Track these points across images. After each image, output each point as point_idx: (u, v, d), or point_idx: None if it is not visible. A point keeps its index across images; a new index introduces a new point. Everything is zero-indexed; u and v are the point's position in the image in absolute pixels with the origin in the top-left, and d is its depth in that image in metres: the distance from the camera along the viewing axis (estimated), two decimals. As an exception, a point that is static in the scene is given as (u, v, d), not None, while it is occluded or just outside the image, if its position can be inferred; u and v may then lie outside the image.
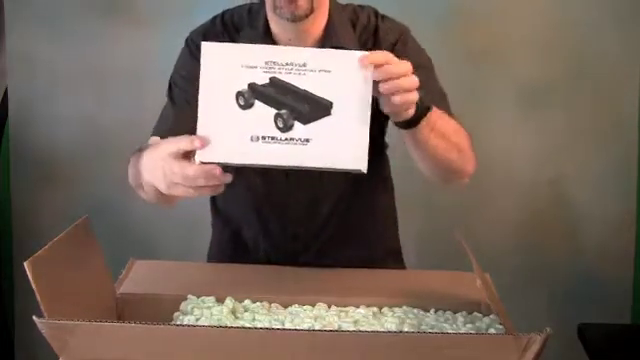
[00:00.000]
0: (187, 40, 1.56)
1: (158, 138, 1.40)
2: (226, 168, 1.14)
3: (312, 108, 1.10)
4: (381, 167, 1.65)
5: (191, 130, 1.18)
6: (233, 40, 1.50)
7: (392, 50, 1.44)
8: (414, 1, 2.40)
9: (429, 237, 2.49)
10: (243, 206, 1.61)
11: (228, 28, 1.53)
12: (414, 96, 1.22)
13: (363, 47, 1.49)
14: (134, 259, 1.52)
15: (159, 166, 1.20)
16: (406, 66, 1.20)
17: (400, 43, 1.51)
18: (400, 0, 2.40)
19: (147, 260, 1.53)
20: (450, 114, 1.47)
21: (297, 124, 1.10)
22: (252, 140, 1.11)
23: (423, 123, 1.31)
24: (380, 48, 1.46)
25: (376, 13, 1.55)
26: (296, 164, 1.11)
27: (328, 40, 1.47)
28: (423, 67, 1.46)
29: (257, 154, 1.11)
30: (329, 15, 1.49)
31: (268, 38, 1.48)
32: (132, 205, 2.56)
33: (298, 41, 1.46)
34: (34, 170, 2.59)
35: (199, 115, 1.14)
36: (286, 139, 1.10)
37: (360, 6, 1.56)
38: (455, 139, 1.41)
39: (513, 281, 2.39)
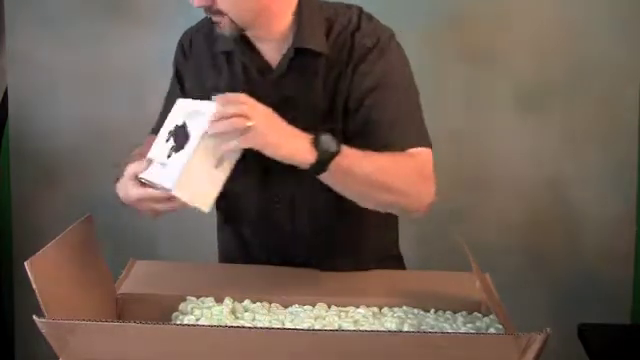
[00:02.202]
0: (178, 43, 1.60)
1: (153, 136, 1.44)
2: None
3: (177, 142, 1.29)
4: None
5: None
6: (210, 46, 1.52)
7: (365, 56, 1.43)
8: (414, 2, 2.40)
9: (429, 237, 2.49)
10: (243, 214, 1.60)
11: (210, 32, 1.52)
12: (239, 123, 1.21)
13: (338, 50, 1.45)
14: (134, 259, 1.52)
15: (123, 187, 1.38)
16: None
17: (376, 51, 1.44)
18: (400, 1, 2.41)
19: (147, 260, 1.53)
20: (403, 143, 1.39)
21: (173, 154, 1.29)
22: (159, 164, 1.30)
23: (332, 169, 1.26)
24: (353, 52, 1.44)
25: (360, 14, 1.48)
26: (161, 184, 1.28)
27: (295, 40, 1.44)
28: (384, 87, 1.42)
29: (154, 174, 1.30)
30: (299, 14, 1.45)
31: (242, 38, 1.47)
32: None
33: (260, 43, 1.47)
34: (34, 170, 2.59)
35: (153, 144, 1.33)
36: (162, 164, 1.29)
37: (347, 5, 1.50)
38: (382, 179, 1.32)
39: (513, 281, 2.39)
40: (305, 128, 1.30)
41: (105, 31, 2.51)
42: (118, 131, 2.54)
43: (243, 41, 1.48)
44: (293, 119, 1.31)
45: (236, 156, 1.27)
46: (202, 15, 1.59)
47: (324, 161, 1.26)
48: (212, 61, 1.53)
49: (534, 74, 2.50)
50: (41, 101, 2.55)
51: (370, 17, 1.49)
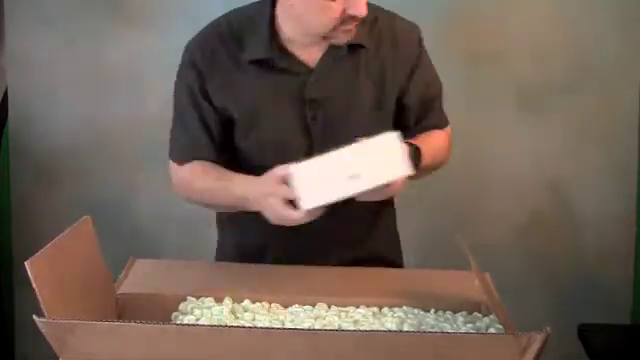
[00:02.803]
0: (186, 49, 1.56)
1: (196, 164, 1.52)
2: None
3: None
4: None
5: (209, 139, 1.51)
6: (232, 53, 1.50)
7: (419, 50, 1.56)
8: (414, 2, 2.40)
9: (429, 237, 2.49)
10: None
11: (229, 41, 1.51)
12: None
13: (376, 42, 1.52)
14: (134, 258, 1.52)
15: (265, 204, 1.37)
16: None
17: (421, 43, 1.58)
18: (400, 1, 2.41)
19: (147, 259, 1.53)
20: (445, 123, 1.64)
21: None
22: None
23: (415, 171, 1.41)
24: (399, 47, 1.53)
25: (381, 9, 1.56)
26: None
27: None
28: (429, 69, 1.59)
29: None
30: None
31: (274, 43, 1.48)
32: (132, 205, 2.57)
33: (297, 46, 1.48)
34: (34, 170, 2.58)
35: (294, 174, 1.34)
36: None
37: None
38: (439, 155, 1.60)
39: (513, 281, 2.39)
40: (356, 118, 1.50)
41: (105, 31, 2.51)
42: (118, 131, 2.54)
43: (276, 46, 1.48)
44: (341, 112, 1.49)
45: None
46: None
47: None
48: (238, 71, 1.51)
49: (534, 74, 2.50)
50: (41, 101, 2.55)
51: (394, 15, 1.58)
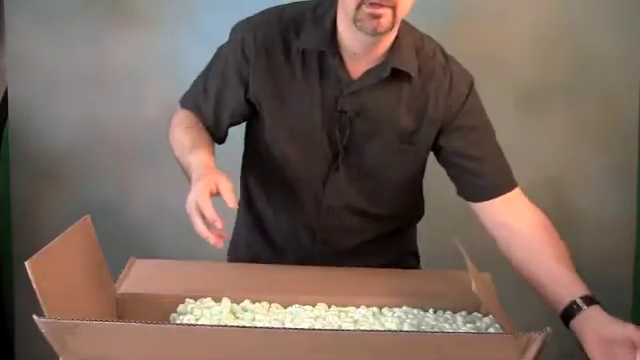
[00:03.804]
0: (241, 27, 1.54)
1: (203, 154, 1.48)
2: None
3: None
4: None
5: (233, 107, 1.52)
6: (287, 40, 1.49)
7: (465, 101, 1.53)
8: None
9: (429, 237, 2.48)
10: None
11: (287, 28, 1.50)
12: None
13: (425, 78, 1.50)
14: (134, 258, 1.52)
15: (194, 179, 1.36)
16: None
17: (471, 96, 1.55)
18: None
19: (147, 259, 1.53)
20: (511, 185, 1.60)
21: None
22: None
23: None
24: (451, 93, 1.51)
25: (442, 49, 1.55)
26: None
27: (391, 59, 1.46)
28: (484, 129, 1.60)
29: None
30: (397, 34, 1.47)
31: (333, 40, 1.47)
32: (132, 205, 2.57)
33: (363, 52, 1.46)
34: (34, 170, 2.58)
35: None
36: None
37: (427, 36, 1.55)
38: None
39: (513, 281, 2.38)
40: (384, 144, 1.50)
41: (105, 31, 2.51)
42: (118, 131, 2.54)
43: (334, 44, 1.47)
44: (368, 133, 1.49)
45: None
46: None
47: None
48: (285, 58, 1.50)
49: (534, 74, 2.50)
50: (41, 101, 2.55)
51: (448, 55, 1.56)
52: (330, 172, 1.55)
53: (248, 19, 1.55)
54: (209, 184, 1.31)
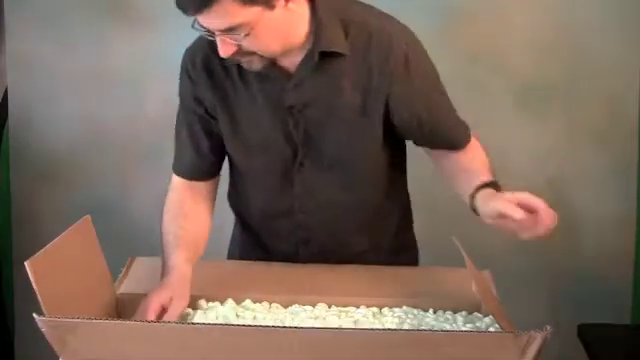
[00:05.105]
0: (182, 56, 1.55)
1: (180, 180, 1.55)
2: None
3: None
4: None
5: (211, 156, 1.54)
6: (221, 61, 1.46)
7: (405, 64, 1.46)
8: (414, 1, 2.40)
9: (429, 237, 2.48)
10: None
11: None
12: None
13: (362, 49, 1.44)
14: (134, 257, 1.52)
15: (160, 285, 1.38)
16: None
17: (412, 54, 1.47)
18: (400, 1, 2.41)
19: (147, 257, 1.53)
20: (463, 140, 1.57)
21: None
22: None
23: None
24: (391, 56, 1.45)
25: (372, 10, 1.49)
26: None
27: (316, 43, 1.43)
28: (430, 90, 1.53)
29: None
30: (315, 20, 1.43)
31: None
32: (132, 205, 2.57)
33: (283, 57, 1.43)
34: (34, 170, 2.58)
35: None
36: None
37: (354, 2, 1.50)
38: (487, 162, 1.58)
39: (513, 281, 2.39)
40: (339, 127, 1.46)
41: (105, 31, 2.51)
42: (118, 131, 2.54)
43: None
44: (322, 119, 1.46)
45: None
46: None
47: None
48: (225, 73, 1.50)
49: (534, 74, 2.50)
50: (41, 101, 2.55)
51: (380, 12, 1.50)
52: (294, 171, 1.52)
53: (187, 48, 1.55)
54: (158, 303, 1.31)
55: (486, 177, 1.46)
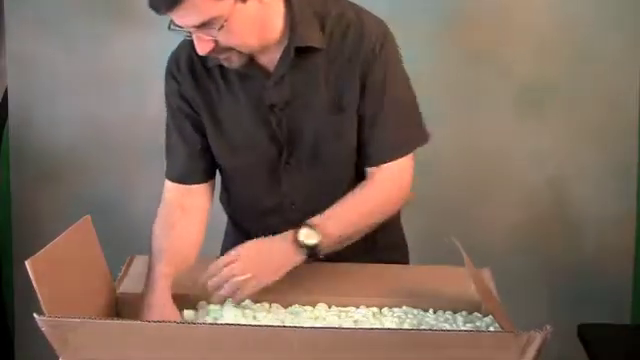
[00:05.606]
0: (166, 68, 1.55)
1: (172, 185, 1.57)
2: None
3: None
4: None
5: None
6: (203, 58, 1.46)
7: (376, 52, 1.46)
8: (414, 2, 2.40)
9: (429, 237, 2.48)
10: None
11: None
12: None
13: (337, 43, 1.45)
14: (133, 256, 1.53)
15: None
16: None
17: (381, 51, 1.46)
18: (400, 1, 2.41)
19: (146, 256, 1.53)
20: (405, 149, 1.50)
21: None
22: None
23: (324, 250, 1.39)
24: (358, 48, 1.45)
25: (351, 4, 1.49)
26: None
27: (292, 39, 1.43)
28: (389, 89, 1.47)
29: None
30: (290, 15, 1.43)
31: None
32: (133, 204, 2.57)
33: (262, 54, 1.44)
34: (34, 170, 2.59)
35: None
36: None
37: None
38: (371, 219, 1.49)
39: (513, 281, 2.39)
40: (316, 122, 1.46)
41: (105, 31, 2.51)
42: (118, 131, 2.54)
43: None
44: (302, 116, 1.45)
45: None
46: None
47: (313, 253, 1.39)
48: (207, 74, 1.50)
49: (534, 74, 2.50)
50: (41, 101, 2.55)
51: (361, 10, 1.49)
52: (281, 169, 1.52)
53: (172, 52, 1.56)
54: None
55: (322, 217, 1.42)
